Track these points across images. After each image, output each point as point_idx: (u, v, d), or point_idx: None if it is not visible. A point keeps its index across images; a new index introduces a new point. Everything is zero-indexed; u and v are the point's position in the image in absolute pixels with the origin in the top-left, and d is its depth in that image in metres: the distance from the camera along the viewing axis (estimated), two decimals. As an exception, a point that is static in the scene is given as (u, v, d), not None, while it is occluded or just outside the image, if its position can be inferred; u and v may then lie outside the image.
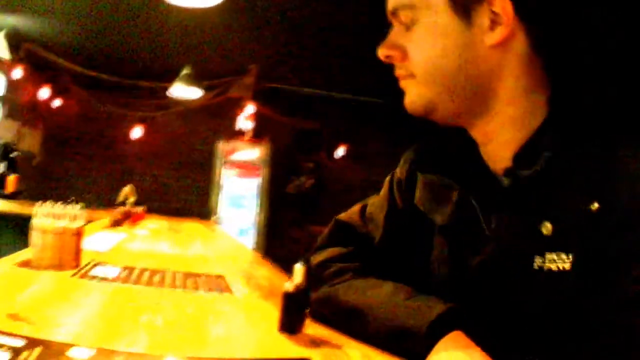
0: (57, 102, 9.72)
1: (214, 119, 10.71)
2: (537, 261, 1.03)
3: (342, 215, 1.53)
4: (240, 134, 10.20)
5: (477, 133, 1.20)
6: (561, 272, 1.00)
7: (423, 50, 1.12)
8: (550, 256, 1.02)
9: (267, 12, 6.39)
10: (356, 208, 1.52)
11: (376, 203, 1.47)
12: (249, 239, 10.39)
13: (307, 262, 1.25)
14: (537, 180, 1.07)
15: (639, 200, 0.95)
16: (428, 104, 1.15)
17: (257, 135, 10.25)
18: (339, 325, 1.32)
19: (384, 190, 1.47)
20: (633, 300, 0.94)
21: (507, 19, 1.06)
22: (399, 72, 1.18)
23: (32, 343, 1.01)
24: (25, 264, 1.90)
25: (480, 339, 1.11)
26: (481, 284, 1.15)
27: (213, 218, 9.70)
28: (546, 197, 1.05)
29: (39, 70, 8.94)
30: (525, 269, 1.05)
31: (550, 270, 1.01)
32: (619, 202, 0.96)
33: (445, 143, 1.32)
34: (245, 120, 9.65)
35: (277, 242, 10.75)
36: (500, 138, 1.15)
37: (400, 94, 1.21)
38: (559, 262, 1.00)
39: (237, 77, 9.08)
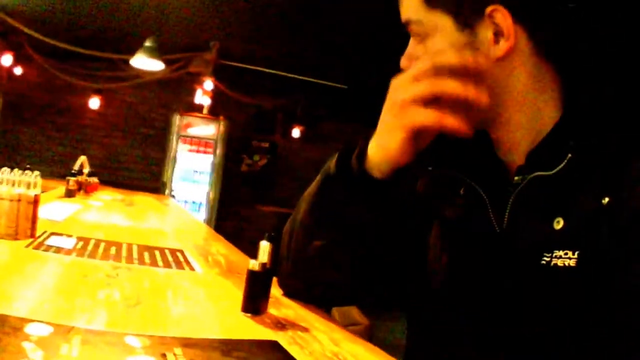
0: (18, 70, 9.60)
1: (172, 93, 10.66)
2: (545, 257, 1.04)
3: None
4: (197, 109, 10.15)
5: (492, 134, 1.21)
6: (566, 268, 1.01)
7: None
8: (558, 253, 1.02)
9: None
10: None
11: None
12: (200, 215, 10.36)
13: (272, 240, 1.23)
14: (556, 180, 1.07)
15: None
16: None
17: (214, 112, 10.21)
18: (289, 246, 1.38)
19: None
20: (636, 298, 0.94)
21: (508, 30, 1.08)
22: None
23: (-13, 317, 0.98)
24: (-22, 231, 1.85)
25: (482, 334, 1.14)
26: (485, 280, 1.16)
27: (167, 192, 9.64)
28: (561, 195, 1.06)
29: (1, 37, 8.81)
30: (532, 266, 1.06)
31: (555, 266, 1.02)
32: (630, 197, 0.97)
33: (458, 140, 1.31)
34: (202, 96, 9.61)
35: (228, 220, 10.76)
36: (510, 140, 1.17)
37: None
38: (565, 259, 1.01)
39: (198, 52, 9.02)
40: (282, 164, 11.31)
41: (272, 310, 1.30)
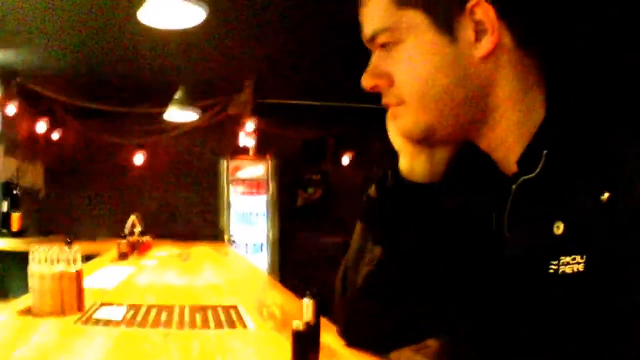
0: (54, 135, 9.74)
1: (215, 138, 10.73)
2: (552, 265, 0.98)
3: None
4: (243, 151, 10.20)
5: (482, 143, 1.14)
6: (575, 274, 0.95)
7: (410, 72, 1.06)
8: (565, 259, 0.97)
9: (255, 27, 6.38)
10: None
11: None
12: (263, 256, 10.36)
13: (314, 296, 1.17)
14: (543, 182, 1.03)
15: None
16: (425, 128, 1.09)
17: (261, 151, 10.25)
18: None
19: None
20: None
21: (492, 25, 1.01)
22: (387, 99, 1.12)
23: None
24: (26, 311, 1.84)
25: (491, 344, 1.12)
26: (494, 290, 1.12)
27: (226, 239, 9.66)
28: (556, 198, 1.01)
29: (33, 105, 8.96)
30: (540, 274, 1.00)
31: (564, 273, 0.96)
32: (630, 190, 0.92)
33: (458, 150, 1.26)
34: (246, 137, 9.64)
35: (292, 256, 10.75)
36: (505, 143, 1.10)
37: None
38: (573, 264, 0.95)
39: (233, 94, 9.07)
40: (335, 192, 11.30)
41: (324, 364, 1.24)
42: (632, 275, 0.90)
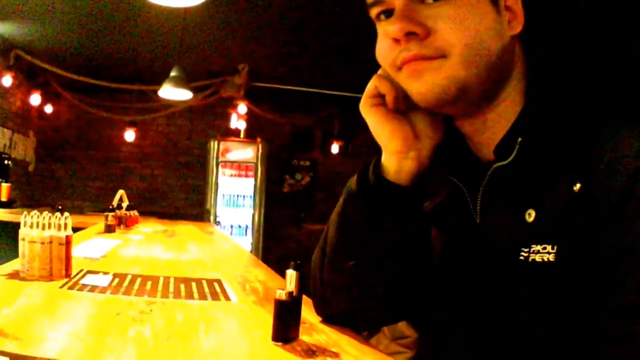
0: (48, 109, 9.72)
1: (207, 119, 10.75)
2: (523, 253, 1.02)
3: None
4: (233, 133, 10.20)
5: (473, 123, 1.17)
6: (545, 264, 0.99)
7: (465, 27, 1.04)
8: (535, 248, 1.01)
9: (254, 10, 6.38)
10: None
11: None
12: (247, 239, 10.38)
13: (298, 268, 1.20)
14: (516, 169, 1.06)
15: (619, 179, 0.94)
16: (460, 86, 1.07)
17: (251, 135, 10.25)
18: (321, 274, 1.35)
19: None
20: (632, 300, 0.91)
21: (519, 12, 1.07)
22: (423, 51, 1.07)
23: (16, 360, 0.98)
24: (15, 275, 1.87)
25: (465, 331, 1.15)
26: (468, 276, 1.15)
27: (211, 218, 9.67)
28: (529, 186, 1.05)
29: (29, 77, 8.94)
30: (511, 261, 1.04)
31: (534, 261, 1.00)
32: (600, 181, 0.95)
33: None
34: (238, 120, 9.66)
35: (275, 241, 10.78)
36: (492, 127, 1.14)
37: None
38: (544, 253, 0.99)
39: (228, 76, 9.06)
40: (323, 180, 11.32)
41: (304, 336, 1.28)
42: (602, 268, 0.93)
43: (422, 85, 1.09)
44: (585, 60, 1.17)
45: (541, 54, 1.12)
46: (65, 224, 1.90)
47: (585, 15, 1.23)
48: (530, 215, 1.02)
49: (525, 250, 1.02)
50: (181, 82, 6.68)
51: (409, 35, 1.07)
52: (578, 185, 0.96)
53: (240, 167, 10.55)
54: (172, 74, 6.68)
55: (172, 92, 6.79)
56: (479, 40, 1.04)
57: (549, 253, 0.98)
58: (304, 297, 1.29)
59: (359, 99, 1.26)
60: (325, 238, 1.35)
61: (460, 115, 1.17)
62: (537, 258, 1.00)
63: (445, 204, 1.24)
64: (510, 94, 1.12)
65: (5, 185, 6.97)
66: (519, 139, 1.05)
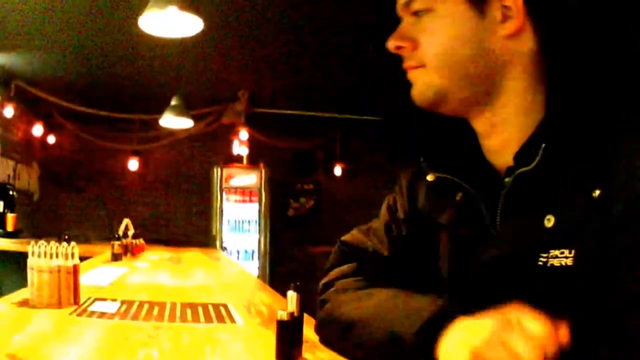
0: (50, 139, 9.75)
1: (209, 146, 10.75)
2: (542, 258, 1.03)
3: (346, 236, 1.51)
4: (236, 159, 10.21)
5: (481, 124, 1.20)
6: (563, 268, 1.00)
7: (437, 38, 1.12)
8: (554, 252, 1.01)
9: (252, 37, 6.43)
10: (359, 228, 1.50)
11: (379, 219, 1.45)
12: (254, 263, 10.36)
13: (299, 290, 1.23)
14: (538, 176, 1.07)
15: (637, 186, 0.95)
16: (438, 92, 1.15)
17: (253, 160, 10.26)
18: (339, 343, 1.28)
19: (383, 209, 1.45)
20: (634, 299, 0.93)
21: (518, 12, 1.08)
22: (408, 62, 1.18)
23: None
24: (24, 303, 1.90)
25: None
26: (485, 283, 1.15)
27: (218, 244, 9.67)
28: (549, 192, 1.06)
29: (30, 108, 8.99)
30: (529, 267, 1.05)
31: (553, 266, 1.01)
32: (620, 188, 0.96)
33: (446, 142, 1.31)
34: (240, 146, 9.67)
35: (282, 265, 10.75)
36: (504, 132, 1.16)
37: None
38: (562, 258, 1.00)
39: (228, 103, 9.10)
40: (327, 203, 11.31)
41: (307, 354, 1.30)
42: (620, 273, 0.95)
43: (413, 90, 1.19)
44: (605, 67, 1.19)
45: (562, 61, 1.14)
46: (73, 253, 1.94)
47: (603, 21, 1.26)
48: (550, 221, 1.03)
49: (544, 255, 1.03)
50: (182, 110, 6.73)
51: (399, 49, 1.17)
52: (597, 192, 0.98)
53: (245, 192, 10.54)
54: (173, 103, 6.73)
55: (173, 121, 6.84)
56: (453, 50, 1.11)
57: (566, 257, 1.00)
58: (306, 315, 1.31)
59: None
60: (353, 322, 1.25)
61: (462, 115, 1.21)
62: (556, 263, 1.01)
63: (459, 214, 1.23)
64: (512, 96, 1.14)
65: (11, 216, 7.00)
66: (543, 145, 1.06)
